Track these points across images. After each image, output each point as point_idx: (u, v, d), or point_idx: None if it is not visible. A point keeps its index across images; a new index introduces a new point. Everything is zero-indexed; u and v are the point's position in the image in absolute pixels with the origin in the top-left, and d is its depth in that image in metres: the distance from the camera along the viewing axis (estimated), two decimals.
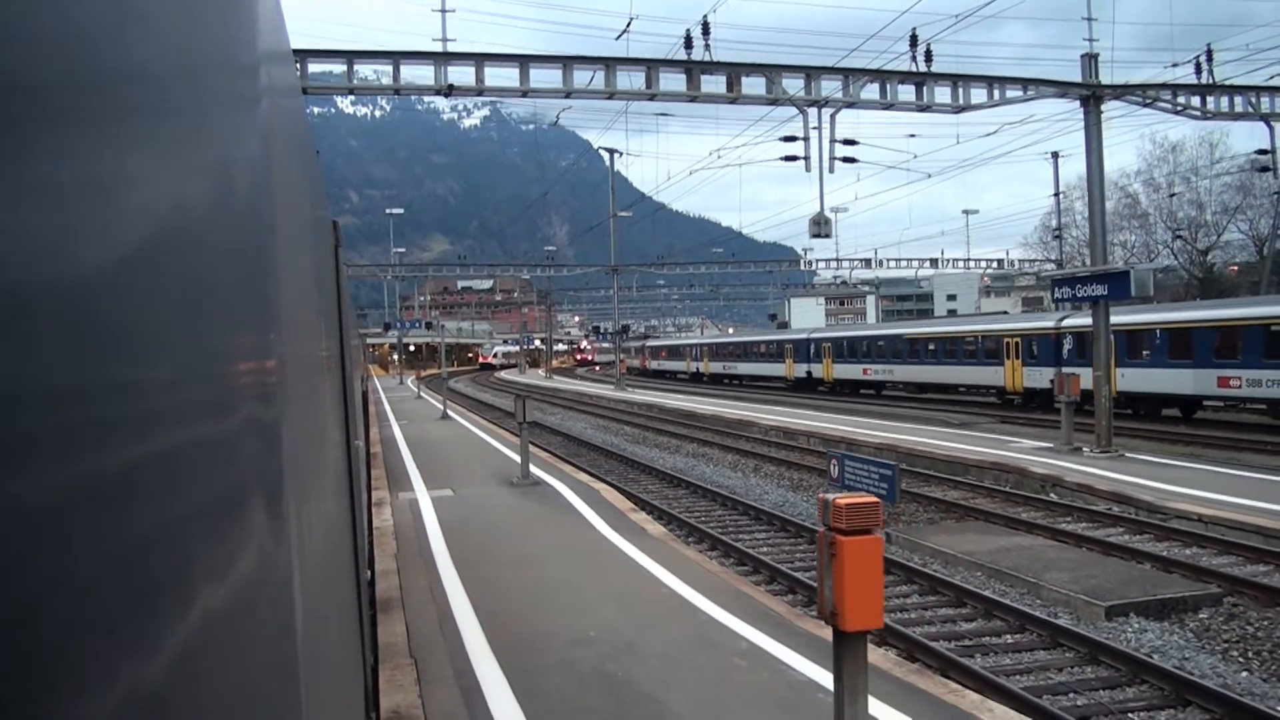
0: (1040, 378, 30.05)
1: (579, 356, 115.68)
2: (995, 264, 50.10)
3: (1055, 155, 49.34)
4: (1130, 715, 6.75)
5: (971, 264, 49.33)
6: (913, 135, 32.55)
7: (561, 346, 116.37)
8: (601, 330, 71.15)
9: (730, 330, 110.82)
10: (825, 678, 6.26)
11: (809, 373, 46.95)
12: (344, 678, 2.42)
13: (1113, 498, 13.85)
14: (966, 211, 52.51)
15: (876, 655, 7.02)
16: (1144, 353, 27.69)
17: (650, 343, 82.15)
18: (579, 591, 8.59)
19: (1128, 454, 17.26)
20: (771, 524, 13.84)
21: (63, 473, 0.45)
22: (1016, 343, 32.14)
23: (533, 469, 15.81)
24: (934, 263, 48.76)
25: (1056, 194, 49.67)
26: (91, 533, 0.48)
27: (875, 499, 3.11)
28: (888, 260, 48.05)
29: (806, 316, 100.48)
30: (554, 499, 13.70)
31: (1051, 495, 14.84)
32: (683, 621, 7.66)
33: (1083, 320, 29.96)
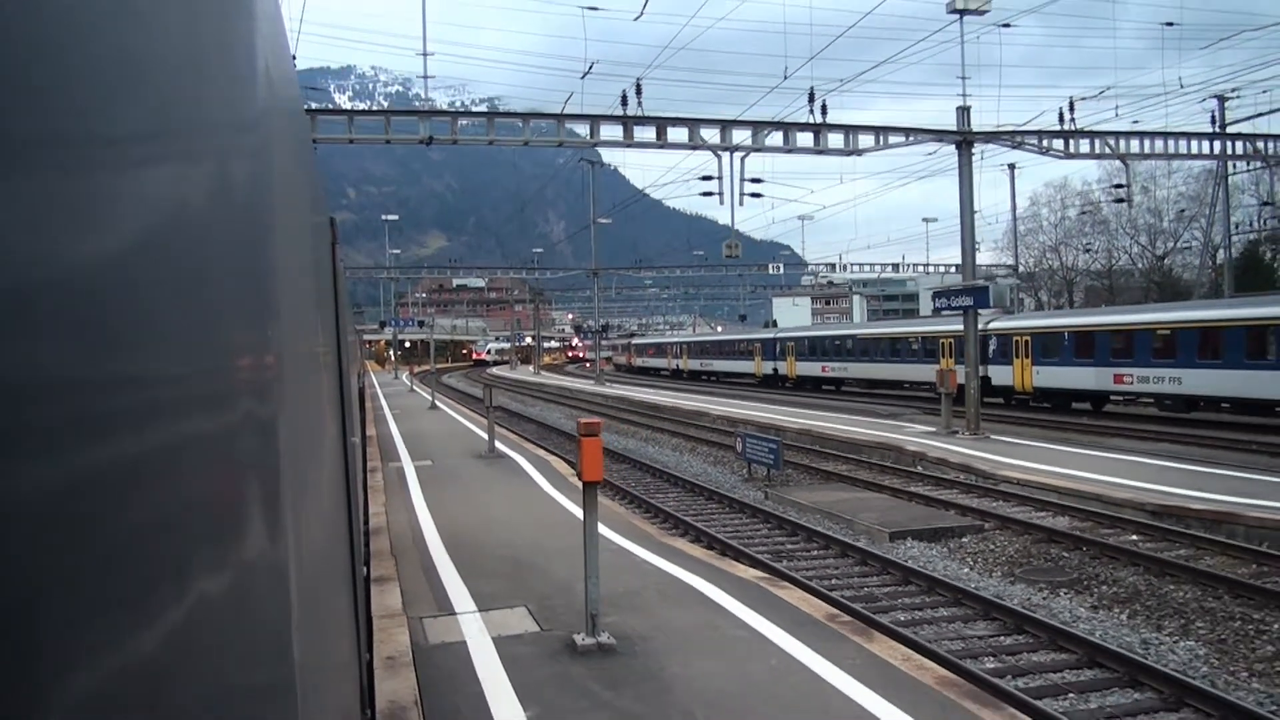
0: None
1: (570, 353, 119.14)
2: (953, 268, 53.68)
3: (1012, 167, 53.25)
4: (867, 588, 10.23)
5: (931, 269, 52.88)
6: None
7: (554, 344, 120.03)
8: (583, 329, 74.52)
9: (719, 328, 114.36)
10: (662, 563, 9.73)
11: (775, 370, 50.40)
12: (340, 674, 2.46)
13: (960, 468, 17.35)
14: (926, 220, 56.29)
15: (703, 554, 10.49)
16: (1056, 353, 31.08)
17: (635, 340, 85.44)
18: (514, 522, 12.05)
19: (993, 436, 20.76)
20: (682, 486, 17.35)
21: (63, 465, 0.46)
22: (950, 343, 35.57)
23: (502, 448, 19.28)
24: (895, 267, 52.27)
25: (1019, 209, 53.50)
26: (92, 523, 0.49)
27: (601, 420, 6.54)
28: (852, 265, 51.55)
29: (790, 316, 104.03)
30: (511, 467, 17.18)
31: (918, 467, 18.34)
32: (581, 537, 11.11)
33: (1006, 324, 33.58)
